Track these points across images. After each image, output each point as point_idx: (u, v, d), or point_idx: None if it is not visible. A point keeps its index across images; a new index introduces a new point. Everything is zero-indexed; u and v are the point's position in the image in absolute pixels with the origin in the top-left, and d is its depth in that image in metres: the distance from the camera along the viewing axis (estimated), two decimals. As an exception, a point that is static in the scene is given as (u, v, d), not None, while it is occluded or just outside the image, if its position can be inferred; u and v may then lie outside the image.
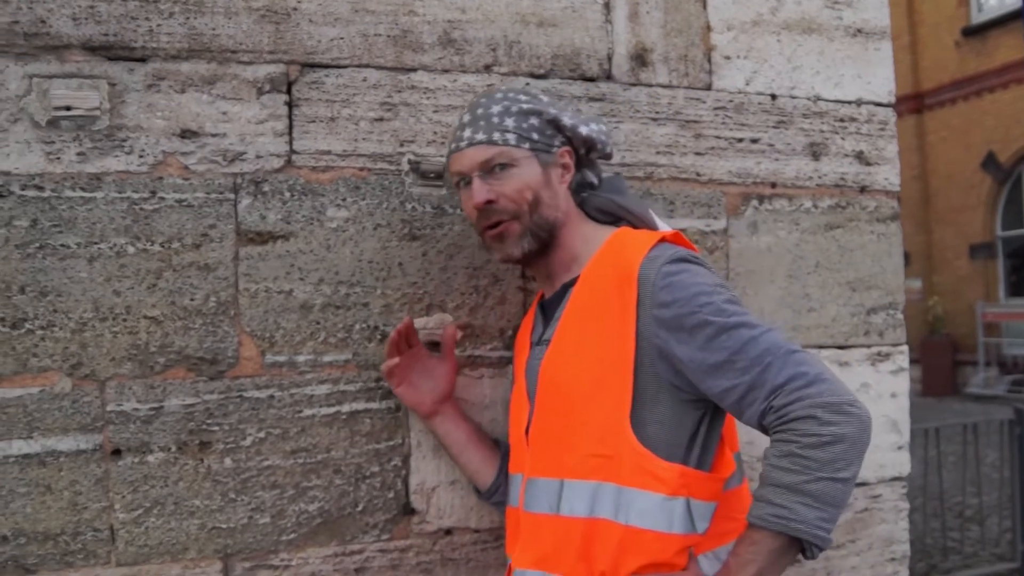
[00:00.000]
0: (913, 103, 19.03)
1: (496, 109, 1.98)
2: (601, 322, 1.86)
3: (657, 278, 1.79)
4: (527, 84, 2.38)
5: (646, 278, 1.81)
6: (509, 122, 1.96)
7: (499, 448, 2.23)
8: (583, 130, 2.02)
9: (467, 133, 1.98)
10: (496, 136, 1.96)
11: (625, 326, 1.82)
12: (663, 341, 1.79)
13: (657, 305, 1.79)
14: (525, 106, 1.99)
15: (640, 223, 2.05)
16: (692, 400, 1.82)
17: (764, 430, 1.73)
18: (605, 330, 1.85)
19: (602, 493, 1.80)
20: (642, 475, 1.77)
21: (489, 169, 1.96)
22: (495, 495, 2.21)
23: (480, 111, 1.99)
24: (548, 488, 1.89)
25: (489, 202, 1.96)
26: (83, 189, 2.04)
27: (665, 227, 2.04)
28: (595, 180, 2.13)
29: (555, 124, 2.00)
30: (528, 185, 1.96)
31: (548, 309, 2.07)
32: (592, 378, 1.85)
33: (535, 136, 1.97)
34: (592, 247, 2.00)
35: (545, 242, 2.00)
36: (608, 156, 2.13)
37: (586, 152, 2.08)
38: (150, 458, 2.08)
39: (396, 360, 2.13)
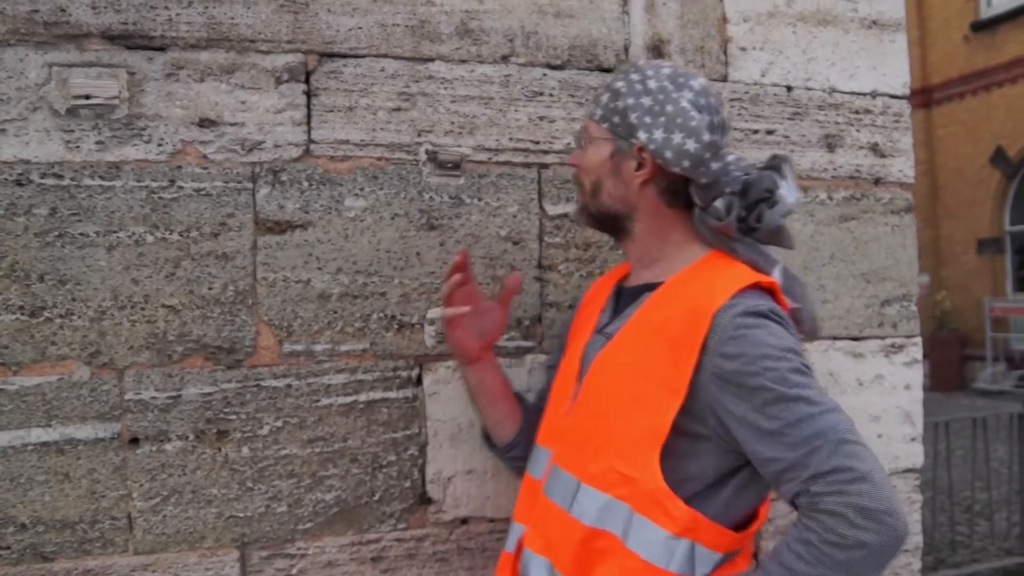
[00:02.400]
0: (922, 97, 19.00)
1: (611, 79, 1.96)
2: (663, 346, 1.76)
3: (729, 327, 1.69)
4: (544, 75, 2.39)
5: (719, 324, 1.70)
6: (605, 97, 1.93)
7: (521, 405, 2.22)
8: (641, 135, 1.85)
9: None
10: (590, 108, 1.98)
11: (684, 362, 1.71)
12: (718, 391, 1.69)
13: (721, 355, 1.68)
14: (619, 84, 1.91)
15: (741, 257, 1.87)
16: (731, 451, 1.74)
17: (794, 507, 1.65)
18: (664, 356, 1.75)
19: (615, 509, 1.75)
20: (655, 507, 1.71)
21: (580, 138, 1.99)
22: (511, 451, 2.20)
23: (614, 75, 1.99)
24: (568, 483, 1.85)
25: (574, 164, 2.01)
26: (102, 178, 2.04)
27: (776, 272, 1.87)
28: (705, 202, 1.88)
29: (627, 115, 1.88)
30: (593, 167, 1.94)
31: (622, 299, 2.00)
32: (636, 396, 1.77)
33: (616, 119, 1.89)
34: (679, 259, 1.90)
35: (609, 228, 1.99)
36: (700, 181, 1.86)
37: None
38: (168, 447, 2.08)
39: (465, 309, 2.08)
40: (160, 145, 2.09)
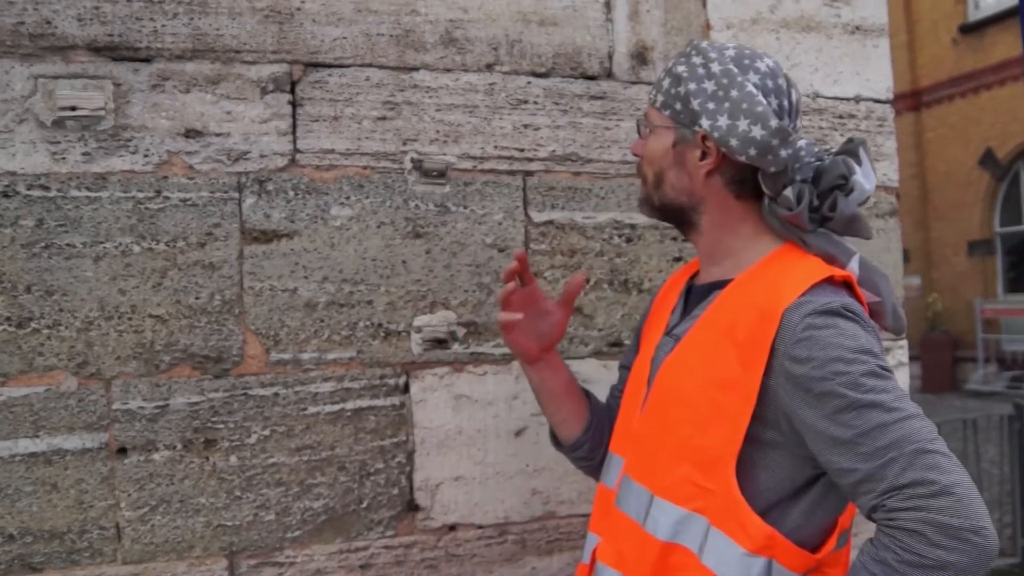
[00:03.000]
0: (911, 100, 19.06)
1: (672, 62, 1.84)
2: (732, 349, 1.65)
3: (798, 328, 1.57)
4: (528, 83, 2.40)
5: (788, 324, 1.58)
6: (666, 82, 1.82)
7: (589, 401, 2.15)
8: (705, 122, 1.72)
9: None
10: (652, 93, 1.87)
11: (754, 366, 1.61)
12: (788, 396, 1.58)
13: (790, 358, 1.57)
14: (679, 69, 1.79)
15: (813, 250, 1.75)
16: (807, 460, 1.63)
17: (872, 520, 1.53)
18: (734, 360, 1.65)
19: (692, 523, 1.66)
20: (732, 522, 1.62)
21: (641, 126, 1.90)
22: (576, 452, 2.13)
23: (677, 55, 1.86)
24: (640, 496, 1.76)
25: (636, 154, 1.91)
26: (88, 189, 2.05)
27: (853, 263, 1.75)
28: (774, 191, 1.75)
29: (689, 101, 1.75)
30: (655, 157, 1.83)
31: (692, 297, 1.90)
32: (708, 403, 1.67)
33: (678, 106, 1.78)
34: (749, 254, 1.79)
35: (674, 220, 1.89)
36: (768, 169, 1.73)
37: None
38: (156, 456, 2.09)
39: (518, 316, 2.01)
40: (146, 156, 2.09)
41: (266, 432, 2.16)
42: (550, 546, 2.39)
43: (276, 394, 2.17)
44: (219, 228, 2.14)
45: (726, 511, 1.62)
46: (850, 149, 1.77)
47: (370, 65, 2.27)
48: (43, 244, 2.02)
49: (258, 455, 2.16)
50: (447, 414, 2.32)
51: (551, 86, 2.42)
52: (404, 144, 2.29)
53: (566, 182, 2.42)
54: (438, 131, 2.31)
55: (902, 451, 1.47)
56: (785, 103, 1.74)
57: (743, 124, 1.68)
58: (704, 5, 2.59)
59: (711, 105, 1.72)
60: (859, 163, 1.75)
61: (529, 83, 2.40)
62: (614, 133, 2.46)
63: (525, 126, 2.39)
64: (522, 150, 2.39)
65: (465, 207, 2.32)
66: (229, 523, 2.14)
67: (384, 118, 2.27)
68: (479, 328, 2.34)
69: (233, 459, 2.14)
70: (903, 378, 2.75)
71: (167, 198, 2.10)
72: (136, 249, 2.08)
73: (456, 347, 2.32)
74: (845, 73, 2.74)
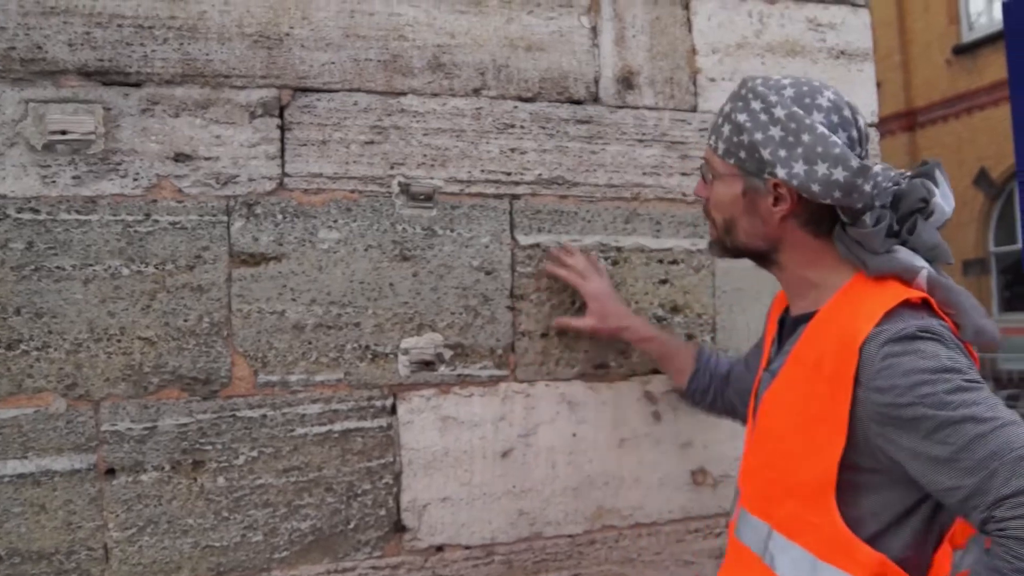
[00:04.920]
0: (905, 121, 19.10)
1: (728, 107, 1.79)
2: (822, 384, 1.64)
3: (876, 359, 1.56)
4: (515, 107, 2.43)
5: (866, 356, 1.58)
6: (726, 129, 1.77)
7: (698, 360, 2.38)
8: (780, 172, 1.67)
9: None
10: (712, 139, 1.82)
11: (842, 399, 1.60)
12: (879, 426, 1.57)
13: (874, 390, 1.56)
14: (740, 118, 1.73)
15: (873, 272, 1.72)
16: (911, 482, 1.60)
17: (984, 533, 1.50)
18: (824, 394, 1.64)
19: (803, 559, 1.67)
20: (840, 555, 1.62)
21: (704, 172, 1.87)
22: (685, 399, 2.43)
23: (726, 100, 1.82)
24: (758, 528, 1.78)
25: (700, 196, 1.90)
26: (78, 212, 2.07)
27: (920, 280, 1.68)
28: (853, 218, 1.71)
29: (757, 150, 1.71)
30: (723, 204, 1.82)
31: (785, 330, 1.90)
32: (805, 438, 1.67)
33: (743, 154, 1.74)
34: (832, 284, 1.76)
35: (752, 259, 1.89)
36: (855, 207, 1.68)
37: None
38: (144, 477, 2.10)
39: (592, 324, 2.39)
40: (136, 179, 2.11)
41: (254, 453, 2.18)
42: (536, 567, 2.41)
43: (264, 416, 2.19)
44: (208, 251, 2.16)
45: (833, 544, 1.63)
46: (925, 171, 1.74)
47: (358, 90, 2.29)
48: (33, 267, 2.04)
49: (246, 476, 2.17)
50: (434, 435, 2.33)
51: (538, 110, 2.44)
52: (392, 168, 2.31)
53: (552, 205, 2.44)
54: (425, 155, 2.34)
55: (1003, 460, 1.44)
56: (854, 133, 1.70)
57: (822, 168, 1.62)
58: (690, 31, 2.62)
59: (783, 152, 1.66)
60: (936, 185, 1.72)
61: (516, 107, 2.42)
62: (600, 157, 2.49)
63: (512, 150, 2.41)
64: (509, 174, 2.41)
65: (452, 230, 2.34)
66: (217, 544, 2.15)
67: (372, 142, 2.29)
68: (466, 350, 2.36)
69: (221, 480, 2.15)
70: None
71: (156, 221, 2.12)
72: (125, 272, 2.10)
73: (443, 369, 2.34)
74: (830, 97, 2.76)
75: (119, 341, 2.09)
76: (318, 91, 2.26)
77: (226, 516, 2.15)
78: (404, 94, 2.33)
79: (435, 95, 2.36)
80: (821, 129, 1.64)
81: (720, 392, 2.33)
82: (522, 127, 2.43)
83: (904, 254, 1.70)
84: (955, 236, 18.23)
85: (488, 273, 2.37)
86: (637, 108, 2.55)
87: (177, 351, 2.13)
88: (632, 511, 2.51)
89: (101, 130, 2.09)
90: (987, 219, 18.21)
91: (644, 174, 2.54)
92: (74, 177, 2.07)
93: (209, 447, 2.14)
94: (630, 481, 2.51)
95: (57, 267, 2.05)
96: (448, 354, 2.34)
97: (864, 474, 1.62)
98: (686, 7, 2.62)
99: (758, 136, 1.69)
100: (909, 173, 1.75)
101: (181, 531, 2.12)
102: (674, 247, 2.56)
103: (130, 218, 2.10)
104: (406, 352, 2.30)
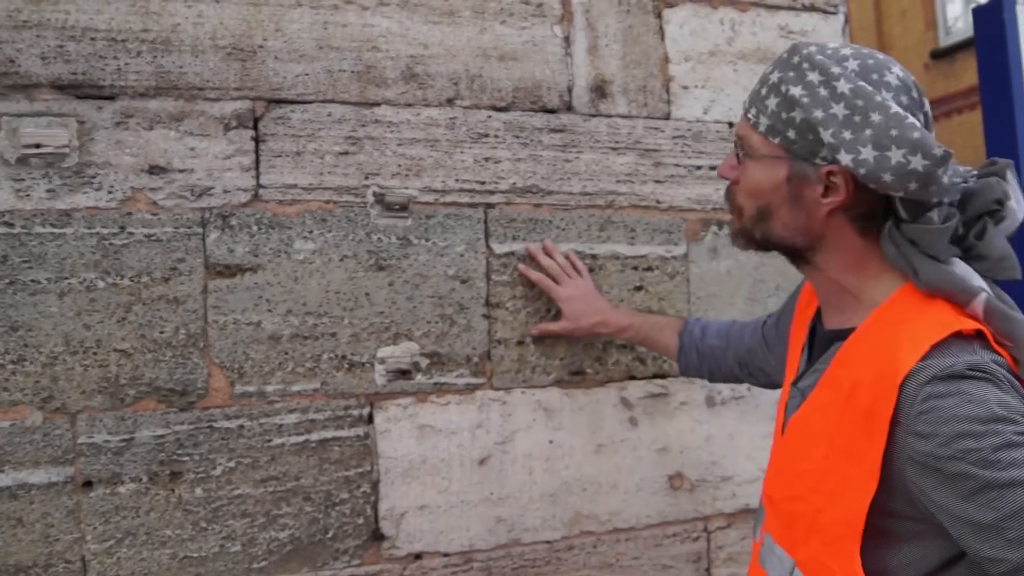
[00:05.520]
0: (883, 125, 19.17)
1: (776, 75, 1.54)
2: (855, 416, 1.44)
3: (918, 399, 1.35)
4: (489, 116, 2.44)
5: (907, 395, 1.36)
6: (772, 102, 1.52)
7: (681, 337, 2.32)
8: (844, 156, 1.42)
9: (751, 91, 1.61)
10: (752, 112, 1.57)
11: (877, 439, 1.39)
12: (916, 475, 1.36)
13: (914, 434, 1.35)
14: (794, 90, 1.48)
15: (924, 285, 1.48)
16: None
17: None
18: (858, 429, 1.43)
19: None
20: None
21: (739, 149, 1.62)
22: (688, 373, 2.36)
23: (768, 67, 1.58)
24: (783, 561, 1.60)
25: (727, 178, 1.66)
26: (53, 225, 2.07)
27: (976, 305, 1.45)
28: (914, 215, 1.48)
29: (814, 130, 1.47)
30: (760, 190, 1.57)
31: (817, 342, 1.69)
32: (834, 475, 1.47)
33: (792, 134, 1.50)
34: (873, 296, 1.54)
35: (784, 254, 1.65)
36: (931, 201, 1.45)
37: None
38: (121, 489, 2.10)
39: (565, 326, 2.42)
40: (110, 192, 2.12)
41: (231, 464, 2.18)
42: (515, 573, 2.42)
43: (241, 426, 2.19)
44: (183, 263, 2.16)
45: None
46: (996, 171, 1.51)
47: (332, 101, 2.30)
48: (8, 280, 2.04)
49: (224, 487, 2.18)
50: (411, 444, 2.34)
51: (511, 120, 2.46)
52: (366, 178, 2.32)
53: (527, 214, 2.46)
54: (400, 165, 2.35)
55: None
56: (921, 118, 1.46)
57: (897, 155, 1.38)
58: (662, 39, 2.64)
59: (847, 135, 1.42)
60: (1010, 186, 1.49)
61: (490, 117, 2.44)
62: (574, 165, 2.50)
63: (486, 159, 2.43)
64: (483, 183, 2.42)
65: (427, 240, 2.36)
66: (195, 555, 2.15)
67: (346, 153, 2.30)
68: (442, 359, 2.37)
69: (199, 491, 2.16)
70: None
71: (131, 234, 2.12)
72: (101, 284, 2.10)
73: (419, 378, 2.35)
74: (802, 104, 2.78)
75: (95, 354, 2.09)
76: (292, 103, 2.27)
77: (204, 527, 2.16)
78: (378, 105, 2.34)
79: (409, 105, 2.37)
80: (895, 109, 1.40)
81: (718, 365, 2.27)
82: (496, 136, 2.44)
83: (962, 269, 1.46)
84: (934, 240, 18.28)
85: (463, 282, 2.38)
86: (610, 116, 2.56)
87: (153, 363, 2.13)
88: (610, 516, 2.52)
89: (75, 143, 2.10)
90: (966, 222, 18.29)
91: (618, 182, 2.56)
92: (48, 190, 2.07)
93: (186, 458, 2.15)
94: (607, 487, 2.52)
95: (32, 280, 2.05)
96: (424, 363, 2.35)
97: (899, 521, 1.43)
98: (658, 16, 2.64)
99: (818, 114, 1.45)
100: (975, 171, 1.52)
101: (159, 542, 2.12)
102: (648, 254, 2.57)
103: (105, 231, 2.11)
104: (382, 361, 2.31)
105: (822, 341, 1.64)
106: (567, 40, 2.53)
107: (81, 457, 2.08)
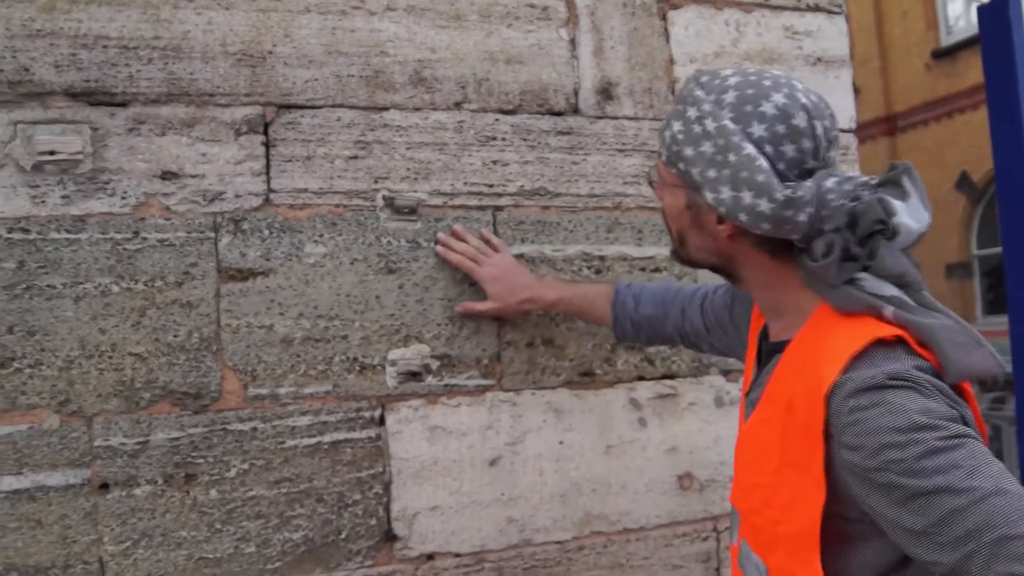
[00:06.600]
0: (885, 126, 19.18)
1: (669, 109, 1.62)
2: (796, 430, 1.45)
3: (843, 412, 1.36)
4: (496, 120, 2.46)
5: (833, 410, 1.37)
6: (667, 135, 1.57)
7: (613, 308, 2.28)
8: (708, 195, 1.48)
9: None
10: (659, 142, 1.61)
11: (816, 451, 1.41)
12: (854, 483, 1.37)
13: (844, 446, 1.36)
14: (676, 126, 1.54)
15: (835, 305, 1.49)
16: None
17: None
18: (800, 442, 1.44)
19: None
20: None
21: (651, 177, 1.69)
22: (625, 341, 2.35)
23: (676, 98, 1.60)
24: (759, 567, 1.59)
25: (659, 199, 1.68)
26: (68, 231, 2.09)
27: (887, 313, 1.44)
28: (805, 242, 1.48)
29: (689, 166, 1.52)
30: (672, 215, 1.63)
31: (763, 353, 1.70)
32: (787, 486, 1.49)
33: (681, 166, 1.53)
34: (804, 308, 1.54)
35: (715, 272, 1.69)
36: (790, 238, 1.48)
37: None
38: (137, 491, 2.12)
39: (492, 306, 2.38)
40: (124, 198, 2.14)
41: (245, 466, 2.20)
42: (527, 573, 2.43)
43: (254, 428, 2.21)
44: (196, 267, 2.18)
45: None
46: (892, 179, 1.50)
47: (341, 106, 2.32)
48: (24, 285, 2.06)
49: (238, 488, 2.20)
50: (422, 445, 2.36)
51: (519, 123, 2.48)
52: (376, 182, 2.34)
53: (535, 216, 2.48)
54: (408, 169, 2.37)
55: (981, 541, 1.23)
56: (806, 144, 1.45)
57: (747, 197, 1.43)
58: (667, 41, 2.66)
59: (711, 173, 1.47)
60: (904, 196, 1.48)
61: (497, 120, 2.46)
62: (581, 167, 2.52)
63: (494, 162, 2.45)
64: (491, 186, 2.44)
65: (436, 242, 2.37)
66: (210, 556, 2.17)
67: (356, 157, 2.32)
68: (452, 360, 2.39)
69: (213, 493, 2.18)
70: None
71: (145, 239, 2.15)
72: (115, 289, 2.12)
73: (430, 379, 2.37)
74: (807, 104, 2.80)
75: (110, 357, 2.11)
76: (302, 108, 2.29)
77: (219, 528, 2.18)
78: (386, 109, 2.36)
79: (417, 109, 2.39)
80: (748, 150, 1.43)
81: (656, 333, 2.26)
82: (504, 139, 2.46)
83: (870, 283, 1.47)
84: (938, 240, 18.32)
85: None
86: (617, 118, 2.58)
87: (168, 366, 2.16)
88: (620, 517, 2.54)
89: (89, 150, 2.12)
90: (969, 222, 18.29)
91: (625, 183, 2.57)
92: (63, 196, 2.10)
93: (201, 460, 2.17)
94: (617, 487, 2.54)
95: (48, 285, 2.07)
96: (435, 365, 2.37)
97: (854, 524, 1.43)
98: (663, 17, 2.66)
99: (688, 152, 1.50)
100: (877, 180, 1.50)
101: (175, 544, 2.14)
102: (656, 255, 2.59)
103: (119, 236, 2.13)
104: (393, 363, 2.33)
105: (767, 353, 1.66)
106: (573, 43, 2.55)
107: (98, 460, 2.10)
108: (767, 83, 1.47)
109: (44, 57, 2.10)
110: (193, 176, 2.19)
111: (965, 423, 1.34)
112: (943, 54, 18.35)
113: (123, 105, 2.16)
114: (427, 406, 2.37)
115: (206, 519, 2.17)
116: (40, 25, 2.09)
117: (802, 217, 1.43)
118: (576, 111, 2.54)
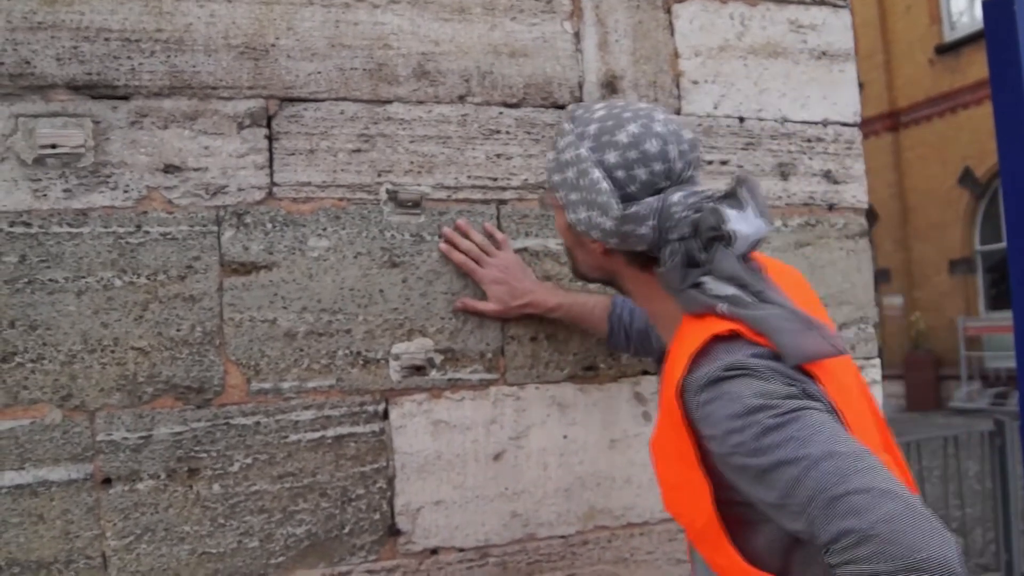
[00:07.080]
0: (889, 121, 19.19)
1: (554, 138, 1.80)
2: (674, 430, 1.57)
3: (694, 408, 1.51)
4: (500, 113, 2.45)
5: (688, 407, 1.53)
6: (547, 160, 1.79)
7: (610, 318, 2.34)
8: (570, 216, 1.72)
9: None
10: (544, 171, 1.80)
11: (691, 444, 1.55)
12: (724, 470, 1.51)
13: (704, 438, 1.51)
14: (550, 155, 1.77)
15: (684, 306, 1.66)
16: None
17: None
18: (684, 440, 1.56)
19: None
20: None
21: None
22: (618, 350, 2.46)
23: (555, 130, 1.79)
24: (707, 567, 1.67)
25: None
26: (70, 225, 2.09)
27: (721, 308, 1.58)
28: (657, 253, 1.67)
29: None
30: (560, 233, 1.87)
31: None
32: (687, 484, 1.59)
33: (559, 192, 1.75)
34: (676, 315, 1.69)
35: (603, 284, 1.94)
36: (636, 250, 1.69)
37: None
38: (140, 486, 2.12)
39: (493, 308, 2.38)
40: (126, 192, 2.13)
41: (248, 460, 2.20)
42: (530, 568, 2.43)
43: (258, 423, 2.21)
44: (199, 261, 2.18)
45: None
46: (729, 191, 1.64)
47: (344, 99, 2.31)
48: (26, 280, 2.05)
49: (241, 483, 2.19)
50: (426, 439, 2.35)
51: (523, 116, 2.47)
52: (379, 176, 2.33)
53: (539, 210, 2.47)
54: (412, 162, 2.36)
55: (816, 506, 1.33)
56: (658, 167, 1.61)
57: (595, 216, 1.65)
58: (672, 34, 2.65)
59: (573, 196, 1.69)
60: (740, 206, 1.61)
61: (501, 113, 2.45)
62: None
63: (498, 156, 2.44)
64: (495, 179, 2.43)
65: (440, 236, 2.37)
66: (214, 550, 2.17)
67: (359, 150, 2.32)
68: (456, 355, 2.38)
69: (216, 487, 2.17)
70: (877, 395, 2.78)
71: (147, 232, 2.14)
72: (118, 283, 2.12)
73: (434, 373, 2.36)
74: (812, 98, 2.79)
75: (113, 352, 2.11)
76: (305, 101, 2.28)
77: (222, 523, 2.17)
78: (390, 102, 2.35)
79: (421, 102, 2.38)
80: (594, 174, 1.63)
81: (644, 347, 2.32)
82: (508, 132, 2.45)
83: (711, 285, 1.61)
84: (941, 236, 18.35)
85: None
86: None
87: (170, 360, 2.15)
88: (624, 511, 2.53)
89: (91, 143, 2.11)
90: (972, 218, 18.31)
91: (629, 177, 2.56)
92: (65, 190, 2.09)
93: (204, 455, 2.16)
94: (621, 481, 2.53)
95: (50, 280, 2.07)
96: (439, 359, 2.36)
97: (747, 507, 1.52)
98: (668, 11, 2.65)
99: (556, 178, 1.74)
100: (719, 195, 1.64)
101: (178, 538, 2.14)
102: (660, 249, 2.58)
103: (121, 230, 2.12)
104: (397, 357, 2.32)
105: (657, 361, 1.88)
106: (577, 36, 2.54)
107: (100, 454, 2.09)
108: (627, 115, 1.66)
109: (46, 50, 2.09)
110: (196, 169, 2.19)
111: (808, 397, 1.47)
112: (946, 49, 18.36)
113: (125, 98, 2.15)
114: (431, 400, 2.36)
115: (209, 514, 2.16)
116: (41, 17, 2.09)
117: (643, 230, 1.62)
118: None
